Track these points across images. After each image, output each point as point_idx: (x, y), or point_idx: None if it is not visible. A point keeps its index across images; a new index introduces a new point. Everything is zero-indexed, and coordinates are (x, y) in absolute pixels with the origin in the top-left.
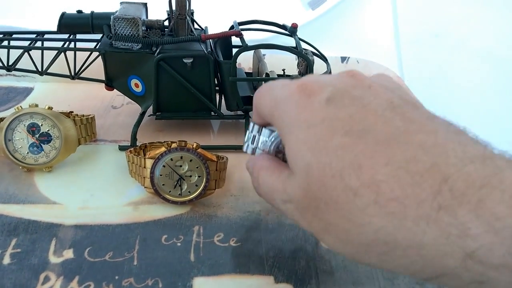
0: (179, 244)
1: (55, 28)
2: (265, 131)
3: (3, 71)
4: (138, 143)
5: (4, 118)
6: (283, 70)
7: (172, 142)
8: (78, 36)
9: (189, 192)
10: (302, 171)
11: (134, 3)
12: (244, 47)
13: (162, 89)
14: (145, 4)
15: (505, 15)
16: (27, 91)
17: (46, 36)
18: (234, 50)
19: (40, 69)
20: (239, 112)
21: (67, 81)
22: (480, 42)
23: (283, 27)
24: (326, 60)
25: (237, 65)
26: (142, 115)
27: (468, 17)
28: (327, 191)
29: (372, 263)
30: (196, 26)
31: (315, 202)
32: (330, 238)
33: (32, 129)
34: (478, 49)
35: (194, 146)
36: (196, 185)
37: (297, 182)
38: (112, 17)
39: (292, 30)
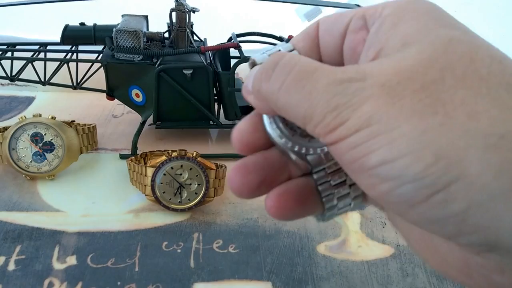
0: (179, 250)
1: (58, 39)
2: None
3: (5, 81)
4: (139, 152)
5: (8, 127)
6: None
7: (173, 151)
8: (79, 47)
9: (188, 199)
10: (441, 36)
11: (136, 15)
12: (242, 59)
13: (162, 99)
14: (146, 17)
15: (491, 28)
16: (29, 100)
17: (49, 47)
18: (233, 61)
19: (42, 79)
20: (237, 122)
21: (68, 91)
22: None
23: (280, 39)
24: None
25: (235, 76)
26: (143, 124)
27: None
28: (475, 62)
29: (481, 163)
30: (195, 37)
31: (440, 73)
32: (423, 123)
33: (36, 138)
34: None
35: (194, 155)
36: (196, 193)
37: (414, 52)
38: (114, 29)
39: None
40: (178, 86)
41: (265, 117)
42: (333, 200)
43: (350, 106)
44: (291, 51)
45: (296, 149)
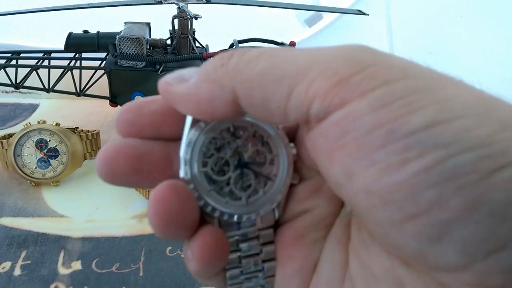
0: (183, 255)
1: (61, 47)
2: None
3: (10, 88)
4: None
5: (13, 134)
6: None
7: None
8: (83, 54)
9: None
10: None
11: (138, 23)
12: None
13: None
14: (148, 24)
15: (496, 33)
16: (33, 107)
17: (52, 55)
18: None
19: (46, 87)
20: None
21: (71, 98)
22: (471, 59)
23: (281, 44)
24: None
25: None
26: None
27: (460, 35)
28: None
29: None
30: (197, 44)
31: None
32: (470, 90)
33: (40, 144)
34: (469, 65)
35: None
36: None
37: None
38: (117, 37)
39: None
40: None
41: (186, 138)
42: (237, 277)
43: (371, 53)
44: None
45: (212, 195)
